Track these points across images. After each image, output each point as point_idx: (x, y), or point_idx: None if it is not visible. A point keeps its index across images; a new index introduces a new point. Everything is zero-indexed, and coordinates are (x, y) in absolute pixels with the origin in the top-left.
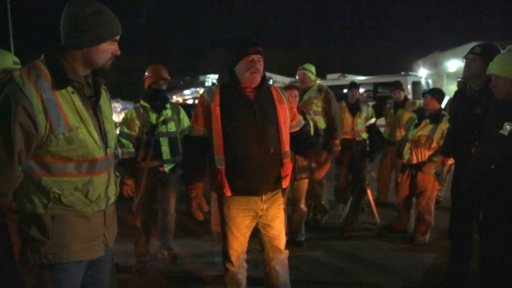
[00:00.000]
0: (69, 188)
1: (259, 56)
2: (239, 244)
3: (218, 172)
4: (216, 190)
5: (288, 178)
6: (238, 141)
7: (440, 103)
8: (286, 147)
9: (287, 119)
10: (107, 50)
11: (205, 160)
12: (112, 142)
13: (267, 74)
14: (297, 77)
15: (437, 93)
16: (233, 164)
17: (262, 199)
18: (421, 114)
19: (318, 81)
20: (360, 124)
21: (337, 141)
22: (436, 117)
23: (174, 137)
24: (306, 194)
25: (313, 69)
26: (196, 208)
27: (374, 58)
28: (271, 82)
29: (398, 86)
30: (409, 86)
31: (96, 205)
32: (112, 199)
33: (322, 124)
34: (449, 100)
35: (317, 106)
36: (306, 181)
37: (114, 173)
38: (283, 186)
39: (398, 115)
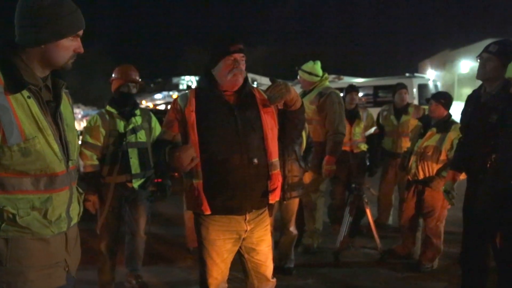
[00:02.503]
0: (25, 207)
1: (241, 55)
2: (219, 271)
3: (194, 188)
4: (193, 208)
5: (277, 192)
6: (216, 151)
7: (448, 108)
8: (274, 157)
9: (274, 125)
10: (69, 47)
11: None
12: (74, 154)
13: (251, 75)
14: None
15: (443, 98)
16: (212, 178)
17: (246, 219)
18: (426, 122)
19: (328, 83)
20: (358, 133)
21: (327, 157)
22: (443, 125)
23: (144, 148)
24: (297, 214)
25: (313, 68)
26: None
27: (375, 58)
28: (255, 85)
29: (404, 86)
30: (414, 90)
31: (56, 226)
32: (75, 220)
33: (317, 136)
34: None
35: (313, 113)
36: (297, 200)
37: (77, 189)
38: (271, 201)
39: (402, 122)
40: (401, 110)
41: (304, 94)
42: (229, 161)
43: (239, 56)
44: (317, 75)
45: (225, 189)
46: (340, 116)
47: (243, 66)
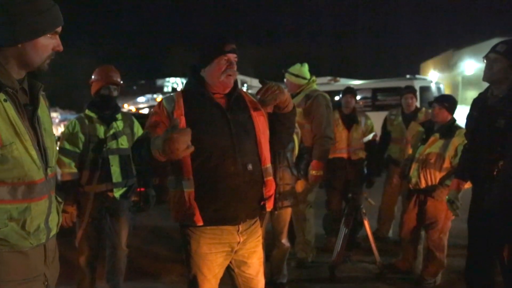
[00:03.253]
0: (2, 217)
1: (235, 55)
2: None
3: (185, 198)
4: (183, 220)
5: (272, 199)
6: (209, 157)
7: (452, 112)
8: (267, 162)
9: (266, 129)
10: (47, 46)
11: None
12: (53, 161)
13: (240, 77)
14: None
15: (447, 101)
16: (204, 186)
17: (239, 230)
18: (429, 127)
19: (315, 85)
20: (356, 139)
21: (314, 162)
22: (447, 131)
23: (126, 155)
24: (289, 225)
25: (301, 71)
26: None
27: (373, 58)
28: (245, 87)
29: (411, 90)
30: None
31: (35, 238)
32: (54, 231)
33: (306, 140)
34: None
35: (300, 117)
36: (289, 210)
37: (56, 198)
38: (268, 209)
39: (410, 129)
40: (410, 116)
41: (291, 97)
42: (223, 168)
43: (233, 56)
44: (304, 78)
45: (218, 198)
46: (328, 119)
47: (235, 68)
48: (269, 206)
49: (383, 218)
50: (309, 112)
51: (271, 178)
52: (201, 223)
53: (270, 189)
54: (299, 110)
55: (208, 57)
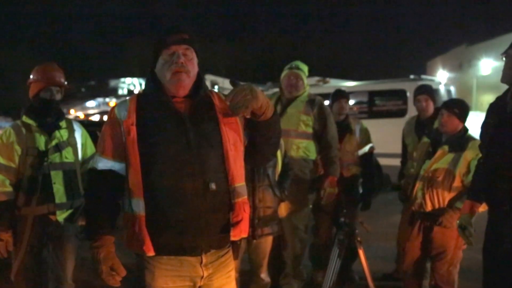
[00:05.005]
0: None
1: (185, 46)
2: None
3: (135, 221)
4: (133, 248)
5: (243, 227)
6: (163, 174)
7: (463, 120)
8: (238, 180)
9: (239, 141)
10: None
11: (118, 203)
12: None
13: (211, 78)
14: (282, 82)
15: (457, 107)
16: (157, 209)
17: (201, 262)
18: (436, 138)
19: (308, 89)
20: (350, 152)
21: (334, 178)
22: (458, 142)
23: (71, 171)
24: (271, 256)
25: (306, 70)
26: (109, 274)
27: (370, 55)
28: (216, 89)
29: (425, 90)
30: None
31: None
32: None
33: (312, 153)
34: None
35: (307, 125)
36: (270, 239)
37: None
38: (233, 238)
39: (423, 143)
40: (426, 123)
41: (287, 102)
42: (179, 187)
43: (181, 48)
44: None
45: (174, 223)
46: (336, 130)
47: (188, 63)
48: (236, 234)
49: (402, 254)
50: (322, 121)
51: (242, 199)
52: (151, 253)
53: (238, 214)
54: (308, 117)
55: (154, 52)
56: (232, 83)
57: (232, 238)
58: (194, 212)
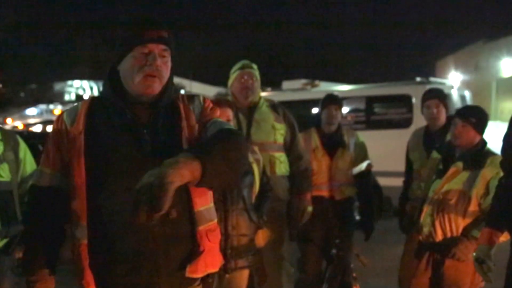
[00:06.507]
0: None
1: (163, 47)
2: None
3: (76, 250)
4: (78, 282)
5: (209, 260)
6: (112, 198)
7: (481, 132)
8: (201, 203)
9: None
10: None
11: (63, 228)
12: None
13: (177, 80)
14: (233, 86)
15: (474, 115)
16: (104, 237)
17: None
18: (448, 153)
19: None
20: (342, 170)
21: (308, 196)
22: (474, 158)
23: (7, 192)
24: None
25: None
26: None
27: (369, 53)
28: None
29: (436, 94)
30: None
31: None
32: None
33: (286, 167)
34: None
35: (281, 135)
36: (245, 273)
37: None
38: (188, 274)
39: (432, 159)
40: (437, 134)
41: (250, 110)
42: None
43: (157, 48)
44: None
45: (125, 257)
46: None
47: (163, 66)
48: (199, 270)
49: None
50: (290, 128)
51: (207, 226)
52: None
53: (201, 243)
54: (282, 125)
55: (121, 48)
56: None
57: (188, 274)
58: (149, 244)
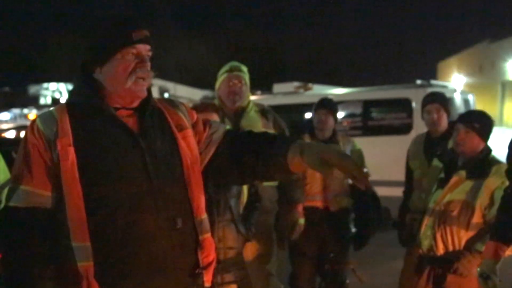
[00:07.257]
0: None
1: (148, 47)
2: None
3: (81, 276)
4: None
5: (212, 269)
6: (115, 212)
7: (485, 138)
8: (202, 211)
9: (197, 157)
10: None
11: (52, 257)
12: None
13: (160, 83)
14: (220, 89)
15: (478, 120)
16: (110, 255)
17: None
18: (451, 161)
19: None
20: (337, 180)
21: (300, 207)
22: (478, 167)
23: None
24: None
25: (247, 71)
26: None
27: (366, 55)
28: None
29: (437, 98)
30: None
31: None
32: None
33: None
34: None
35: None
36: None
37: None
38: (207, 284)
39: (433, 167)
40: (437, 141)
41: (237, 115)
42: (137, 226)
43: (144, 49)
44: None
45: (132, 272)
46: None
47: (148, 66)
48: (209, 279)
49: None
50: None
51: (208, 235)
52: None
53: (209, 253)
54: (271, 131)
55: (107, 51)
56: (203, 104)
57: (207, 284)
58: (159, 257)
